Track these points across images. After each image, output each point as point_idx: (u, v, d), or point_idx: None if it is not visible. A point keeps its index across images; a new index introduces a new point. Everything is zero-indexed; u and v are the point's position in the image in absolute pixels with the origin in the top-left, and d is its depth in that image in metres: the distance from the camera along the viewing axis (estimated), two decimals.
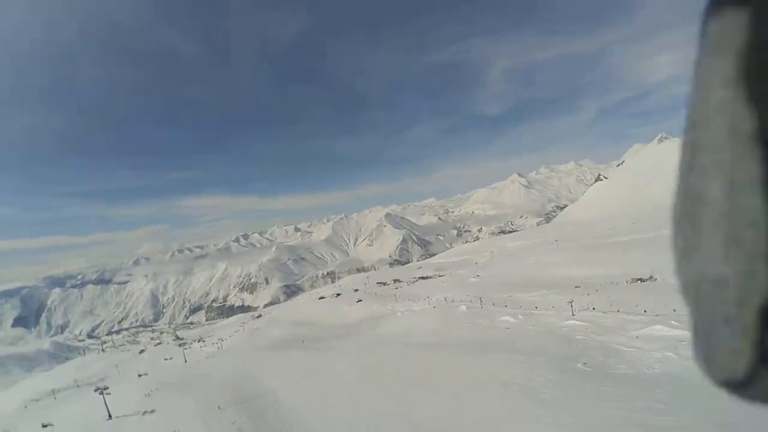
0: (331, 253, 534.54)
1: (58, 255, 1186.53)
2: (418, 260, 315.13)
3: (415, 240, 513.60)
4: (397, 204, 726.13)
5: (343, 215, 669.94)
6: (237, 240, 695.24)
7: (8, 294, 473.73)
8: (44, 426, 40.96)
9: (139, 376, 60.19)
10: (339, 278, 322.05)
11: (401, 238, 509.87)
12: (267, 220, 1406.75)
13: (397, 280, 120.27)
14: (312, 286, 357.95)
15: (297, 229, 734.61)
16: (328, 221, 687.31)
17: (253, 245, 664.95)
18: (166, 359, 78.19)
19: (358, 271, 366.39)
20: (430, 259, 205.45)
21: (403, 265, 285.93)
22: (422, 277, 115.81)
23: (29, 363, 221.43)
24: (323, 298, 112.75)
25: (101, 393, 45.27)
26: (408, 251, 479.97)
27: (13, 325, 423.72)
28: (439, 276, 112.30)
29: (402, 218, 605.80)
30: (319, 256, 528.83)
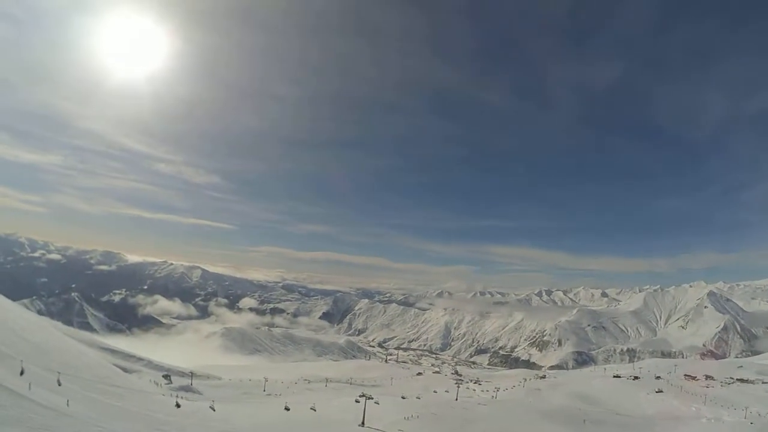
0: (636, 328, 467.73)
1: (373, 273, 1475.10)
2: (738, 356, 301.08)
3: (738, 330, 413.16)
4: (724, 281, 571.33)
5: (658, 286, 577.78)
6: (539, 294, 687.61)
7: (325, 293, 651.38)
8: (311, 408, 44.84)
9: (403, 398, 61.22)
10: (639, 358, 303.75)
11: (722, 324, 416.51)
12: (573, 279, 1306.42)
13: (709, 376, 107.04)
14: (606, 360, 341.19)
15: (604, 294, 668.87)
16: (639, 291, 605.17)
17: (554, 302, 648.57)
18: (435, 391, 78.24)
19: (663, 355, 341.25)
20: (754, 357, 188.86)
21: (717, 358, 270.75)
22: (741, 380, 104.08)
23: (322, 349, 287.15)
24: (618, 377, 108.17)
25: (366, 400, 46.66)
26: (726, 342, 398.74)
27: (320, 318, 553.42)
28: (763, 383, 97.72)
29: (727, 300, 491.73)
30: (622, 328, 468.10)
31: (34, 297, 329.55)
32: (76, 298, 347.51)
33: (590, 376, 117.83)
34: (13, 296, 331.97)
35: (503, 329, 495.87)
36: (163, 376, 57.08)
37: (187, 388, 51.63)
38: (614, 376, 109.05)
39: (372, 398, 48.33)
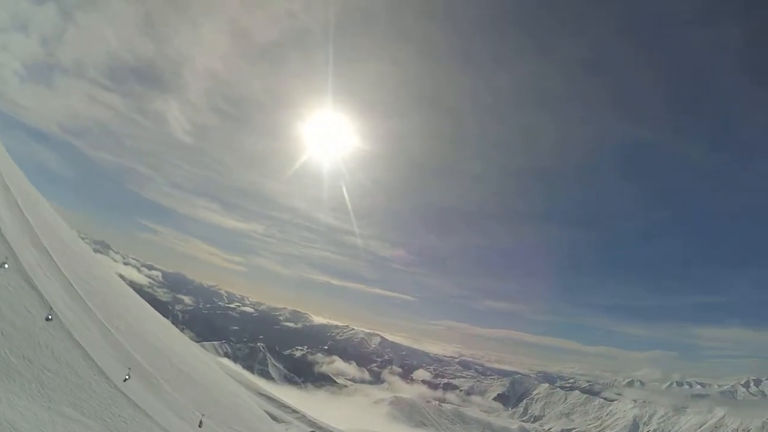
0: None
1: (557, 355, 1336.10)
2: None
3: None
4: None
5: None
6: (746, 384, 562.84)
7: (503, 373, 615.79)
8: None
9: None
10: None
11: None
12: None
13: None
14: None
15: None
16: None
17: (764, 394, 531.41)
18: None
19: None
20: None
21: None
22: None
23: None
24: None
25: None
26: None
27: (494, 399, 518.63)
28: None
29: None
30: None
31: (224, 341, 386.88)
32: (261, 348, 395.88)
33: None
34: (206, 337, 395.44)
35: (701, 427, 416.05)
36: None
37: None
38: None
39: None
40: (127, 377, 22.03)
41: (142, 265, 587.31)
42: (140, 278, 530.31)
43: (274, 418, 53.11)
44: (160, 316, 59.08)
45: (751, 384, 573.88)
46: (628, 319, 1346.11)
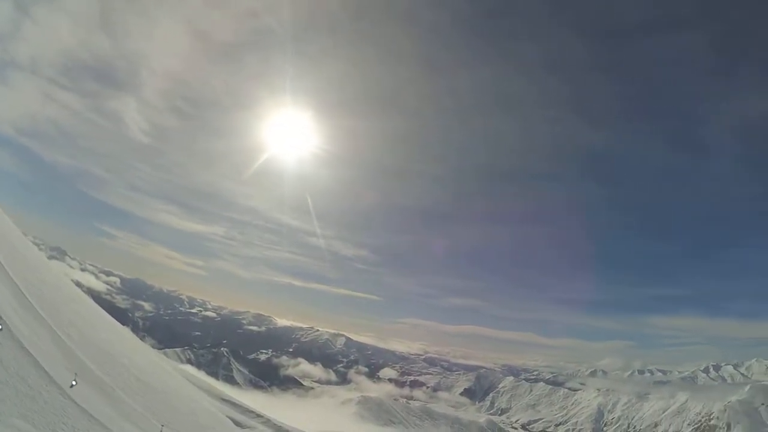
0: None
1: (521, 348, 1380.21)
2: None
3: None
4: None
5: None
6: (706, 370, 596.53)
7: (468, 368, 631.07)
8: None
9: None
10: None
11: None
12: (745, 351, 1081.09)
13: None
14: None
15: None
16: None
17: (724, 379, 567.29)
18: None
19: None
20: None
21: None
22: None
23: (460, 427, 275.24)
24: None
25: None
26: None
27: (461, 394, 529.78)
28: None
29: None
30: None
31: (186, 347, 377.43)
32: (225, 353, 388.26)
33: None
34: (168, 344, 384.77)
35: (664, 413, 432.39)
36: None
37: None
38: None
39: None
40: (73, 383, 21.31)
41: (99, 271, 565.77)
42: (98, 285, 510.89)
43: (238, 423, 52.50)
44: (116, 322, 57.48)
45: (711, 369, 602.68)
46: (588, 311, 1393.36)
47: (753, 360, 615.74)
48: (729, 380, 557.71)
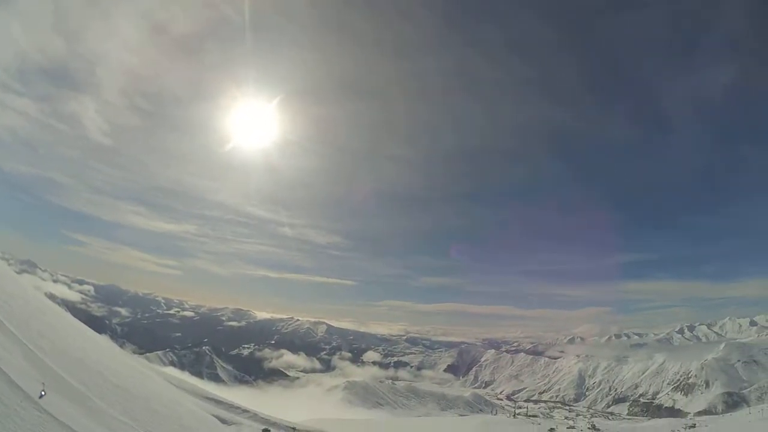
0: None
1: (499, 322, 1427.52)
2: None
3: None
4: None
5: None
6: (681, 331, 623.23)
7: (450, 345, 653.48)
8: None
9: None
10: None
11: None
12: (717, 310, 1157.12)
13: None
14: (760, 399, 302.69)
15: (752, 323, 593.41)
16: None
17: (699, 338, 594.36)
18: None
19: None
20: None
21: None
22: None
23: (446, 403, 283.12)
24: None
25: None
26: None
27: (444, 370, 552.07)
28: None
29: None
30: None
31: (168, 349, 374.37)
32: (207, 351, 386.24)
33: (746, 420, 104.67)
34: (149, 348, 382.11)
35: (643, 374, 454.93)
36: (262, 430, 56.20)
37: None
38: None
39: None
40: (42, 393, 20.90)
41: (72, 281, 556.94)
42: (72, 295, 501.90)
43: (223, 421, 52.49)
44: (90, 330, 56.27)
45: (685, 330, 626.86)
46: (561, 281, 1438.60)
47: (726, 319, 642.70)
48: (704, 339, 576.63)
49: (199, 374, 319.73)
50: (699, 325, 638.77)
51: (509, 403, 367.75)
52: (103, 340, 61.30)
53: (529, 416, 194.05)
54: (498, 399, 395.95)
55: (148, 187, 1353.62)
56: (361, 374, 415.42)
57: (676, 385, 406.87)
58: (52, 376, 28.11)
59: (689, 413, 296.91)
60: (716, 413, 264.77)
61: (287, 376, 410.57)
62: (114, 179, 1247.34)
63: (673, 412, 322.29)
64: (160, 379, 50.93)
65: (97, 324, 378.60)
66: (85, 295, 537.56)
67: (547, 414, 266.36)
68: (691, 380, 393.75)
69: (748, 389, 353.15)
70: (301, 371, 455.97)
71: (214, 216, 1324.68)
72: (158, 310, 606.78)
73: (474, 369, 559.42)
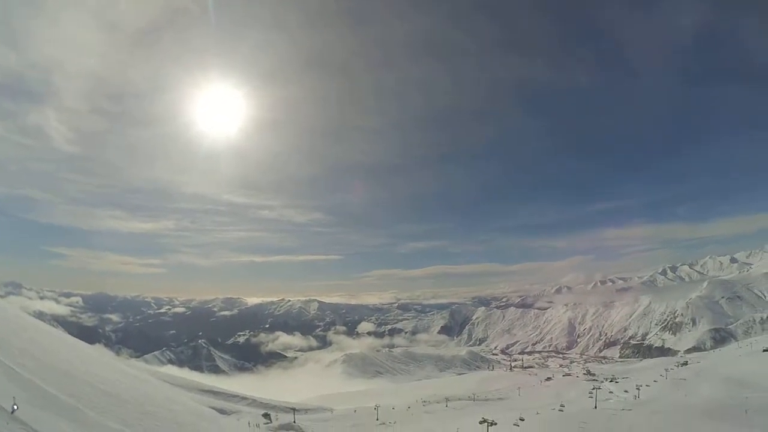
0: None
1: (487, 279, 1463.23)
2: None
3: None
4: None
5: None
6: (663, 272, 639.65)
7: (441, 307, 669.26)
8: None
9: (537, 413, 54.22)
10: None
11: None
12: (698, 250, 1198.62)
13: None
14: (747, 333, 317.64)
15: (733, 260, 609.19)
16: None
17: (682, 278, 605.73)
18: (561, 408, 65.57)
19: None
20: None
21: None
22: None
23: (444, 364, 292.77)
24: None
25: (488, 426, 41.67)
26: None
27: (438, 332, 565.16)
28: None
29: None
30: (759, 294, 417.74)
31: (164, 348, 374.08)
32: (203, 344, 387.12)
33: (736, 355, 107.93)
34: (145, 350, 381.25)
35: (631, 317, 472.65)
36: (262, 415, 57.03)
37: (288, 427, 50.59)
38: (764, 350, 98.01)
39: (495, 423, 42.53)
40: (14, 407, 20.73)
41: (59, 295, 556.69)
42: (61, 309, 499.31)
43: (222, 411, 53.07)
44: (78, 341, 55.88)
45: (668, 271, 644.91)
46: (542, 234, 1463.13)
47: (707, 258, 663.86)
48: (687, 279, 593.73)
49: (198, 368, 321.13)
50: (681, 265, 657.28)
51: (504, 357, 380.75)
52: (93, 350, 60.88)
53: (525, 368, 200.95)
54: (493, 354, 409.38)
55: (122, 190, 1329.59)
56: (357, 346, 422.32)
57: (663, 325, 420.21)
58: (40, 393, 27.89)
59: (679, 351, 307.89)
60: (705, 349, 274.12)
61: (285, 357, 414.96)
62: (88, 187, 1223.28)
63: (664, 352, 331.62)
64: (153, 380, 51.00)
65: (89, 334, 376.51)
66: (74, 307, 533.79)
67: (542, 363, 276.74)
68: (678, 319, 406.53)
69: (734, 324, 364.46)
70: (298, 351, 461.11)
71: (191, 208, 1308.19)
72: (149, 311, 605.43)
73: (467, 328, 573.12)
